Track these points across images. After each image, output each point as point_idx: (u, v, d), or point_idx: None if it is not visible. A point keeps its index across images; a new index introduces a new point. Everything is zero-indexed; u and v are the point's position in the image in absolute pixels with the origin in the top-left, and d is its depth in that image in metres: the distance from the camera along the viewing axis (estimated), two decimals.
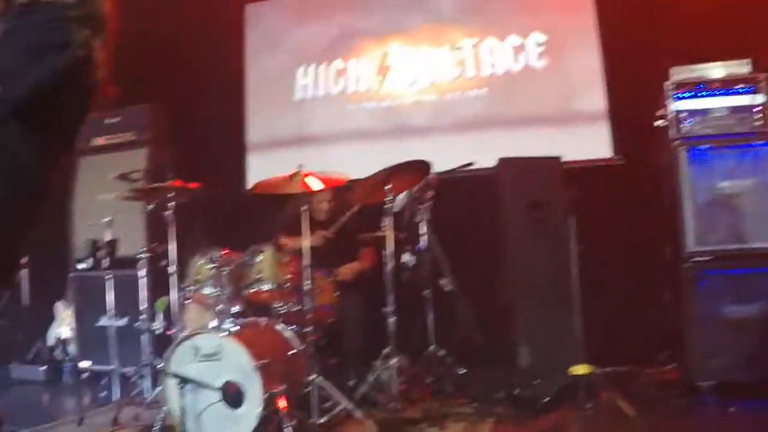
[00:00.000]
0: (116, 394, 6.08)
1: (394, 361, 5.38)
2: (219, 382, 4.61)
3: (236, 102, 7.96)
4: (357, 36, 7.71)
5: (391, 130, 7.46)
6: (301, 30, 7.91)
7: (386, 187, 5.39)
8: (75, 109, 2.33)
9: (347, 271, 5.99)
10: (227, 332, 4.72)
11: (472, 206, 6.76)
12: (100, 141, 7.41)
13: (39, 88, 2.15)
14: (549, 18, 7.10)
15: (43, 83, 2.15)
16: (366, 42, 7.67)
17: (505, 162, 5.98)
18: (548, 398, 5.03)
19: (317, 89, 7.78)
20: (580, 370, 5.05)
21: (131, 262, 6.12)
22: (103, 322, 6.90)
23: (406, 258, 5.88)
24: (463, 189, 6.45)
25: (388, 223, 5.50)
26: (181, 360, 4.76)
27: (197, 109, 7.46)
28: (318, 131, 7.72)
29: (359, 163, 6.73)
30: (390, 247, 5.49)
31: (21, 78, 2.13)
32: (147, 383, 5.78)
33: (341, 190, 5.88)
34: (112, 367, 6.12)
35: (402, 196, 5.86)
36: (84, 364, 7.20)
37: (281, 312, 5.43)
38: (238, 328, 4.82)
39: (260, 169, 7.68)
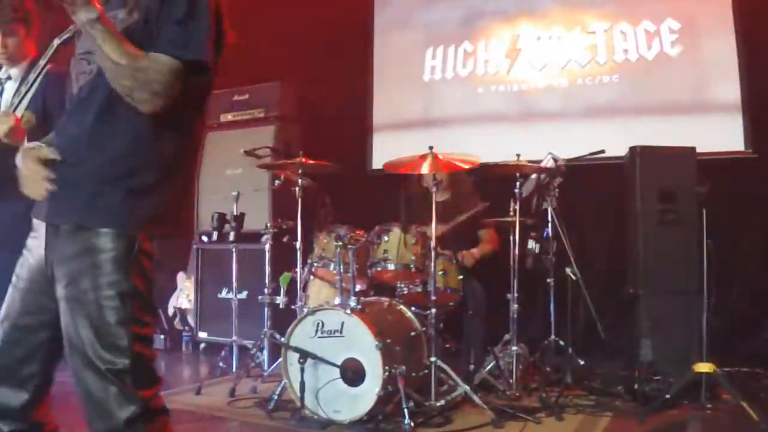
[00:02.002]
0: (234, 365, 6.17)
1: (513, 348, 5.33)
2: (340, 359, 4.62)
3: (363, 82, 7.96)
4: (487, 17, 7.60)
5: (520, 114, 7.33)
6: (430, 11, 7.85)
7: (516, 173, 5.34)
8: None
9: (470, 256, 5.92)
10: (351, 309, 4.72)
11: (599, 194, 6.63)
12: (228, 117, 7.54)
13: (207, 45, 2.30)
14: (683, 4, 6.87)
15: (209, 36, 2.30)
16: (496, 24, 7.56)
17: (637, 151, 5.81)
18: (668, 395, 4.88)
19: (445, 71, 7.70)
20: (704, 368, 4.87)
21: (256, 237, 6.19)
22: (224, 294, 7.03)
23: (531, 245, 5.79)
24: (591, 177, 6.32)
25: (515, 208, 5.44)
26: (303, 335, 4.79)
27: (325, 87, 7.50)
28: (445, 113, 7.65)
29: (487, 146, 6.66)
30: (516, 233, 5.43)
31: (194, 40, 2.28)
32: (266, 356, 5.84)
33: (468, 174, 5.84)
34: (231, 338, 6.20)
35: (530, 182, 5.79)
36: (202, 334, 7.34)
37: (404, 292, 5.42)
38: (361, 306, 4.81)
39: (385, 149, 7.67)
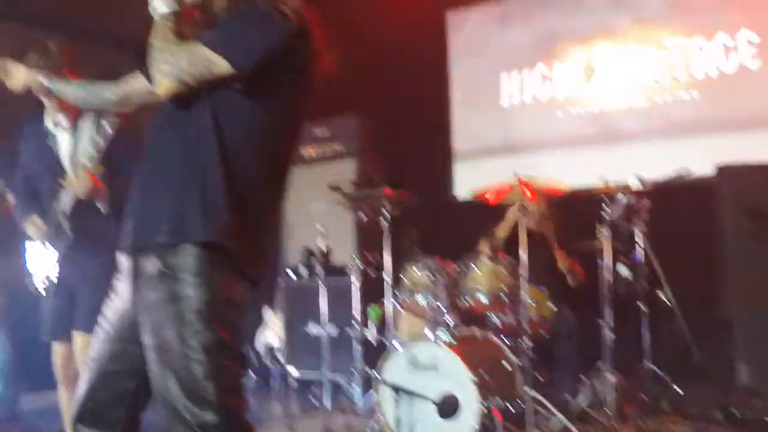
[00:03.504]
0: (327, 401, 6.17)
1: (608, 375, 5.24)
2: (435, 393, 4.58)
3: (441, 110, 7.95)
4: (561, 39, 7.55)
5: (600, 135, 7.24)
6: (504, 35, 7.83)
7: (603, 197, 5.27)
8: (297, 80, 2.45)
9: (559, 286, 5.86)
10: (444, 343, 4.69)
11: (688, 215, 6.50)
12: (310, 151, 7.61)
13: (265, 57, 2.33)
14: (758, 15, 6.73)
15: (267, 51, 2.34)
16: (570, 45, 7.51)
17: (724, 169, 5.70)
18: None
19: (523, 95, 7.67)
20: None
21: (342, 270, 6.21)
22: (313, 329, 7.04)
23: (621, 270, 5.71)
24: (678, 197, 6.20)
25: (604, 233, 5.37)
26: (396, 369, 4.78)
27: (404, 118, 7.51)
28: (525, 138, 7.60)
29: (569, 170, 6.59)
30: (606, 258, 5.36)
31: (247, 50, 2.33)
32: (358, 391, 5.84)
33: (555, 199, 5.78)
34: (322, 374, 6.20)
35: (617, 205, 5.71)
36: (292, 370, 7.36)
37: (496, 323, 5.38)
38: (454, 338, 4.78)
39: (467, 177, 7.66)
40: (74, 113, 4.17)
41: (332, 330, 6.20)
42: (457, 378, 4.54)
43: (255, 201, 2.36)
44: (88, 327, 3.94)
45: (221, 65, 2.30)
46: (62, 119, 4.17)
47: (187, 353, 2.20)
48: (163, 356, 2.24)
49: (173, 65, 2.30)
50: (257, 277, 2.42)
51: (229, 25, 2.41)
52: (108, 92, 2.86)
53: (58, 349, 4.21)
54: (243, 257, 2.32)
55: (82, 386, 2.46)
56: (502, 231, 5.90)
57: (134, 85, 2.79)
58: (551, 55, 7.59)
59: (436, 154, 7.85)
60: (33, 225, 4.11)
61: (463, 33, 8.11)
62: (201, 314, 2.21)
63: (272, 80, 2.36)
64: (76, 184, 3.90)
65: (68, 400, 4.21)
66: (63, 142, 4.17)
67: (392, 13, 7.51)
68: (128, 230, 2.40)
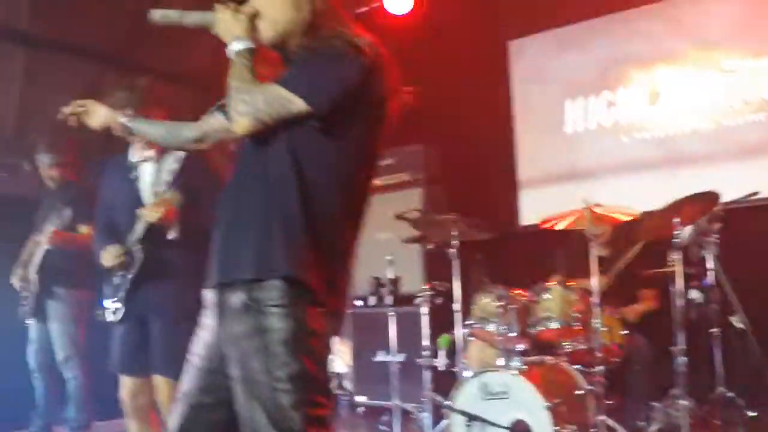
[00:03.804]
0: (396, 429, 6.17)
1: (682, 402, 5.18)
2: (507, 421, 4.58)
3: (506, 138, 7.97)
4: (623, 64, 7.50)
5: (667, 160, 7.16)
6: (566, 62, 7.81)
7: (674, 221, 5.22)
8: (372, 115, 2.50)
9: (631, 312, 5.83)
10: (516, 370, 4.69)
11: (759, 237, 6.42)
12: (376, 181, 7.66)
13: (340, 95, 2.39)
14: None
15: (342, 89, 2.40)
16: (633, 70, 7.45)
17: None
18: None
19: (587, 121, 7.63)
20: None
21: (409, 299, 6.24)
22: (381, 357, 7.06)
23: (694, 294, 5.65)
24: (750, 220, 6.14)
25: (676, 258, 5.33)
26: (468, 397, 4.79)
27: (469, 146, 7.55)
28: (591, 164, 7.55)
29: (636, 196, 6.53)
30: (678, 283, 5.32)
31: (322, 88, 2.39)
32: (428, 419, 5.84)
33: (627, 226, 5.74)
34: (391, 402, 6.22)
35: (688, 230, 5.67)
36: (360, 398, 7.40)
37: (567, 350, 5.36)
38: (526, 366, 4.78)
39: (533, 204, 7.65)
40: (160, 152, 4.28)
41: (401, 358, 6.21)
42: (530, 405, 4.54)
43: (335, 235, 2.42)
44: (166, 370, 4.04)
45: (297, 104, 2.37)
46: (149, 151, 4.27)
47: (274, 384, 2.25)
48: (249, 387, 2.29)
49: (250, 104, 2.37)
50: (339, 309, 2.47)
51: (305, 64, 2.47)
52: (187, 131, 2.94)
53: (125, 383, 4.27)
54: (324, 290, 2.37)
55: (174, 420, 2.52)
56: (621, 263, 5.87)
57: (212, 124, 2.86)
58: (615, 80, 7.54)
59: (501, 181, 7.85)
60: (108, 254, 4.18)
61: (525, 61, 8.12)
62: (287, 345, 2.26)
63: (348, 117, 2.42)
64: (149, 210, 3.97)
65: None
66: (145, 173, 4.26)
67: (454, 43, 7.56)
68: (213, 267, 2.47)
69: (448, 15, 7.55)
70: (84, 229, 5.79)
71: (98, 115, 3.20)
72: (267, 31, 2.57)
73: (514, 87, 8.12)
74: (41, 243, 5.75)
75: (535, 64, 8.04)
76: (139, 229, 4.08)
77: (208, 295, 2.53)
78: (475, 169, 7.60)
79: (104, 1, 8.67)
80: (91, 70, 9.33)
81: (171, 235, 4.04)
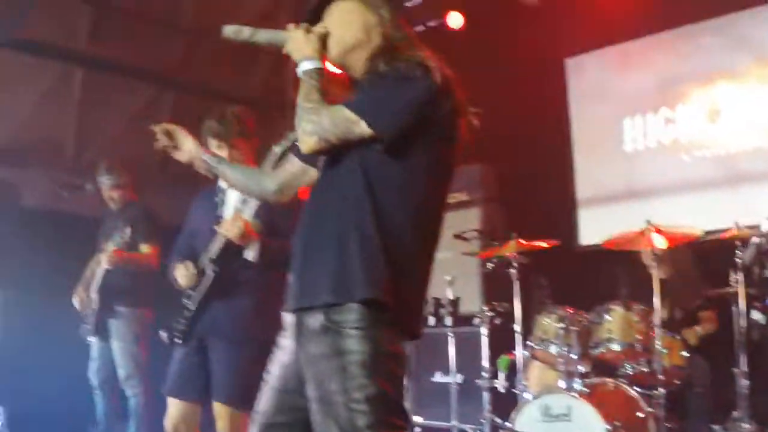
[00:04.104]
0: None
1: (743, 425, 5.09)
2: None
3: (563, 157, 7.92)
4: (683, 81, 7.40)
5: (728, 178, 7.05)
6: (625, 79, 7.74)
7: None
8: (442, 138, 2.53)
9: (692, 334, 5.75)
10: (577, 392, 4.65)
11: None
12: None
13: (407, 119, 2.43)
14: None
15: (408, 114, 2.44)
16: (693, 87, 7.36)
17: None
18: None
19: (647, 139, 7.54)
20: None
21: (470, 320, 6.22)
22: (439, 378, 7.04)
23: (756, 315, 5.55)
24: None
25: (737, 278, 5.24)
26: (529, 419, 4.77)
27: (527, 166, 7.51)
28: (650, 183, 7.45)
29: (696, 215, 6.45)
30: (740, 304, 5.23)
31: (388, 113, 2.43)
32: None
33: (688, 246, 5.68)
34: (450, 423, 6.19)
35: (750, 249, 5.57)
36: (417, 419, 7.36)
37: (628, 372, 5.30)
38: (587, 388, 4.74)
39: (592, 224, 7.59)
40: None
41: (460, 379, 6.19)
42: (591, 428, 4.54)
43: (410, 256, 2.43)
44: (227, 397, 4.02)
45: (362, 127, 2.41)
46: None
47: (351, 405, 2.28)
48: (327, 408, 2.32)
49: (317, 124, 2.44)
50: (415, 330, 2.48)
51: (372, 87, 2.53)
52: (268, 182, 2.95)
53: (171, 406, 4.21)
54: (402, 312, 2.38)
55: None
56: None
57: (290, 170, 2.90)
58: (674, 97, 7.45)
59: (559, 200, 7.80)
60: (181, 269, 4.17)
61: (583, 78, 8.07)
62: (365, 367, 2.29)
63: (417, 139, 2.45)
64: (228, 227, 3.97)
65: None
66: (232, 197, 4.26)
67: (511, 61, 7.54)
68: (292, 290, 2.49)
69: (504, 32, 7.55)
70: (145, 248, 5.87)
71: (185, 149, 3.14)
72: (333, 50, 2.62)
73: (572, 105, 8.07)
74: (102, 263, 5.82)
75: (593, 81, 7.99)
76: (215, 247, 4.08)
77: (287, 317, 2.56)
78: (533, 188, 7.56)
79: (160, 24, 8.81)
80: (147, 91, 9.48)
81: (249, 255, 4.01)
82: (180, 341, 4.17)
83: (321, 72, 2.56)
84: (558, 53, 8.08)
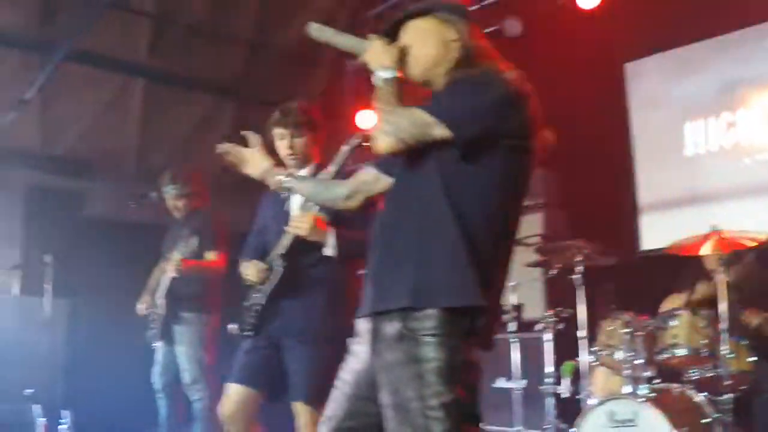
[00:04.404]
0: None
1: None
2: None
3: (624, 162, 7.87)
4: (744, 85, 7.31)
5: None
6: (685, 83, 7.67)
7: None
8: (517, 147, 2.56)
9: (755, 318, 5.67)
10: (643, 398, 4.62)
11: None
12: None
13: (482, 124, 2.48)
14: None
15: (484, 118, 2.49)
16: (755, 90, 7.26)
17: None
18: None
19: (708, 144, 7.47)
20: None
21: (533, 325, 6.20)
22: (499, 383, 7.01)
23: None
24: None
25: None
26: (594, 425, 4.74)
27: (588, 171, 7.47)
28: (712, 188, 7.37)
29: (760, 220, 6.37)
30: None
31: (464, 115, 2.49)
32: None
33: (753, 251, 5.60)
34: (514, 429, 6.17)
35: None
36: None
37: (693, 377, 5.25)
38: (654, 394, 4.70)
39: (653, 230, 7.53)
40: (313, 165, 4.35)
41: (523, 385, 6.17)
42: None
43: (489, 264, 2.44)
44: (307, 397, 4.06)
45: (439, 129, 2.43)
46: (299, 172, 4.32)
47: (427, 412, 2.30)
48: (402, 415, 2.34)
49: (394, 124, 2.49)
50: (490, 340, 2.49)
51: (450, 93, 2.58)
52: (339, 189, 3.06)
53: (228, 391, 4.24)
54: (480, 319, 2.39)
55: None
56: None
57: (363, 177, 2.99)
58: (735, 101, 7.36)
59: (621, 206, 7.76)
60: (250, 266, 4.22)
61: (643, 83, 8.02)
62: (441, 375, 2.31)
63: (493, 146, 2.47)
64: (296, 223, 4.00)
65: None
66: (296, 199, 4.28)
67: (571, 67, 7.51)
68: (368, 295, 2.51)
69: (562, 37, 7.52)
70: (210, 255, 5.93)
71: (257, 166, 3.27)
72: (415, 68, 2.71)
73: (632, 109, 8.02)
74: (168, 271, 5.89)
75: (653, 85, 7.93)
76: (284, 243, 4.12)
77: (361, 323, 2.58)
78: (594, 193, 7.52)
79: (220, 36, 8.92)
80: (207, 102, 9.61)
81: (328, 251, 4.04)
82: (250, 335, 4.21)
83: (399, 81, 2.62)
84: (617, 57, 8.03)
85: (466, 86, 2.54)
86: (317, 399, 3.89)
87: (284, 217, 4.24)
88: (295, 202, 4.26)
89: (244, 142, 3.33)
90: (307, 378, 4.05)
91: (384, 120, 2.52)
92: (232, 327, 4.31)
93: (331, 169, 3.95)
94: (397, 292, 2.41)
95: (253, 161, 3.28)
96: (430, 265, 2.39)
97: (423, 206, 2.48)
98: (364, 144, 3.69)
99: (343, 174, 3.77)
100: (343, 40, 2.81)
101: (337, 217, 4.06)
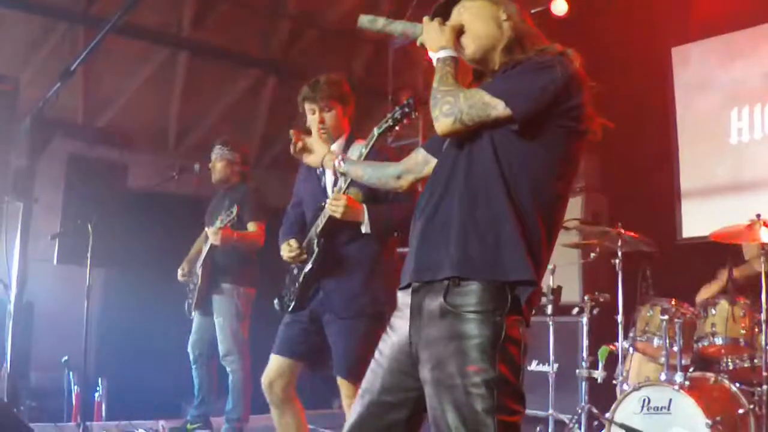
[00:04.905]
0: None
1: None
2: None
3: (667, 148, 7.79)
4: None
5: None
6: (732, 70, 7.54)
7: None
8: (572, 127, 2.51)
9: None
10: (678, 386, 4.59)
11: None
12: None
13: (541, 102, 2.44)
14: None
15: (543, 96, 2.44)
16: None
17: None
18: None
19: (753, 132, 7.35)
20: None
21: (565, 309, 6.18)
22: (534, 366, 7.00)
23: None
24: None
25: None
26: (628, 411, 4.74)
27: (630, 156, 7.41)
28: (757, 176, 7.24)
29: None
30: None
31: (523, 94, 2.45)
32: (582, 431, 5.76)
33: None
34: (547, 412, 6.14)
35: None
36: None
37: (729, 367, 5.21)
38: (689, 382, 4.67)
39: (695, 217, 7.45)
40: (344, 138, 4.37)
41: (559, 369, 6.14)
42: (691, 422, 4.49)
43: (536, 241, 2.43)
44: (348, 372, 4.10)
45: (498, 108, 2.43)
46: (331, 146, 4.33)
47: (469, 389, 2.29)
48: (443, 390, 2.33)
49: (453, 105, 2.46)
50: (529, 317, 2.47)
51: (508, 73, 2.56)
52: (391, 169, 3.11)
53: (271, 362, 4.28)
54: (524, 296, 2.38)
55: (354, 416, 2.59)
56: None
57: (414, 158, 3.01)
58: None
59: (662, 192, 7.69)
60: (288, 246, 4.25)
61: (689, 68, 7.91)
62: (484, 351, 2.30)
63: (549, 126, 2.46)
64: (332, 206, 4.03)
65: (277, 419, 4.34)
66: (330, 173, 4.31)
67: (617, 51, 7.42)
68: (410, 267, 2.51)
69: (609, 20, 7.44)
70: (252, 226, 5.96)
71: (317, 155, 3.50)
72: (470, 46, 2.68)
73: (678, 94, 7.92)
74: (210, 240, 5.93)
75: (700, 71, 7.82)
76: (321, 222, 4.14)
77: (402, 297, 2.58)
78: (636, 178, 7.47)
79: (263, 10, 8.93)
80: (249, 76, 9.65)
81: (363, 228, 4.06)
82: (290, 311, 4.26)
83: (456, 60, 2.60)
84: (664, 42, 7.93)
85: (525, 67, 2.52)
86: (357, 374, 3.93)
87: (320, 192, 4.30)
88: (329, 178, 4.30)
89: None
90: (346, 353, 4.09)
91: (443, 101, 2.49)
92: (276, 303, 4.35)
93: (364, 150, 3.96)
94: (441, 262, 2.40)
95: (316, 151, 3.47)
96: (479, 237, 2.37)
97: (475, 181, 2.46)
98: (397, 125, 3.69)
99: (373, 154, 3.81)
100: (397, 27, 2.79)
101: (371, 195, 4.09)
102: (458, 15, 2.72)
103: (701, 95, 7.76)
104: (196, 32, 8.74)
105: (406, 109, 3.63)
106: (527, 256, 2.37)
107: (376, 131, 3.76)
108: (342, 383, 4.13)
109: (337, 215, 3.97)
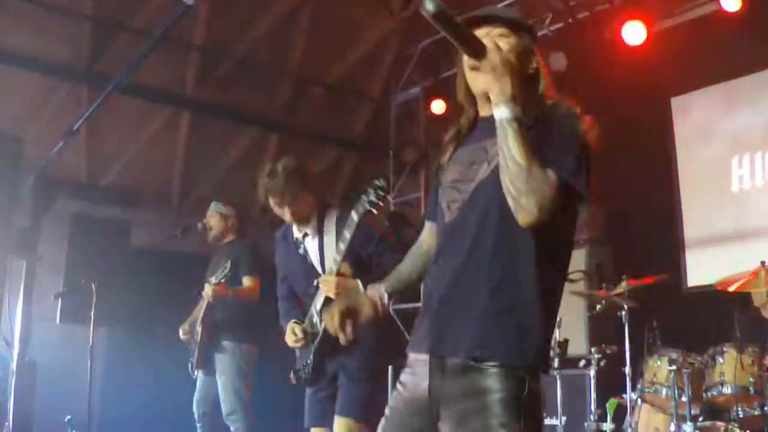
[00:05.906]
0: None
1: None
2: None
3: (669, 197, 7.79)
4: None
5: None
6: (732, 118, 7.58)
7: None
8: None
9: None
10: None
11: None
12: None
13: (581, 163, 2.32)
14: None
15: (590, 166, 2.34)
16: None
17: None
18: None
19: (755, 179, 7.36)
20: None
21: (576, 362, 6.14)
22: (546, 420, 6.91)
23: None
24: None
25: None
26: None
27: (633, 206, 7.42)
28: (759, 224, 7.23)
29: None
30: None
31: (585, 173, 2.33)
32: None
33: None
34: None
35: None
36: None
37: (739, 416, 5.15)
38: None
39: (699, 266, 7.43)
40: (315, 216, 4.38)
41: (567, 422, 6.07)
42: None
43: (553, 309, 2.42)
44: (347, 411, 4.08)
45: (572, 195, 2.32)
46: (306, 228, 4.36)
47: None
48: None
49: (539, 193, 2.23)
50: (548, 367, 2.46)
51: (566, 144, 2.36)
52: (421, 254, 2.86)
53: None
54: (544, 354, 2.37)
55: None
56: None
57: (427, 233, 2.83)
58: None
59: (666, 242, 7.68)
60: (291, 332, 4.26)
61: (689, 117, 7.95)
62: (507, 406, 2.26)
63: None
64: (324, 286, 4.03)
65: None
66: (311, 247, 4.36)
67: (617, 102, 7.46)
68: (428, 335, 2.46)
69: (608, 72, 7.48)
70: (247, 281, 5.95)
71: (366, 310, 2.89)
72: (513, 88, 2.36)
73: (678, 144, 7.95)
74: (205, 296, 5.92)
75: (700, 120, 7.87)
76: (319, 300, 4.15)
77: (414, 355, 2.54)
78: (639, 228, 7.47)
79: (266, 69, 9.00)
80: (252, 134, 9.68)
81: None
82: (307, 385, 4.27)
83: (524, 122, 2.30)
84: (663, 92, 7.98)
85: (572, 136, 2.35)
86: (364, 417, 3.99)
87: (308, 268, 4.32)
88: (313, 251, 4.34)
89: None
90: (349, 397, 4.09)
91: (528, 189, 2.23)
92: (291, 377, 4.34)
93: (341, 247, 3.93)
94: (463, 339, 2.36)
95: (362, 308, 2.89)
96: (501, 322, 2.34)
97: (503, 257, 2.38)
98: (374, 208, 3.64)
99: (358, 234, 3.82)
100: (461, 35, 2.33)
101: (358, 265, 4.10)
102: (491, 43, 2.37)
103: (702, 144, 7.79)
104: (199, 91, 8.79)
105: (381, 192, 3.59)
106: (545, 335, 2.38)
107: (354, 217, 3.73)
108: (338, 422, 4.13)
109: (332, 296, 3.98)
